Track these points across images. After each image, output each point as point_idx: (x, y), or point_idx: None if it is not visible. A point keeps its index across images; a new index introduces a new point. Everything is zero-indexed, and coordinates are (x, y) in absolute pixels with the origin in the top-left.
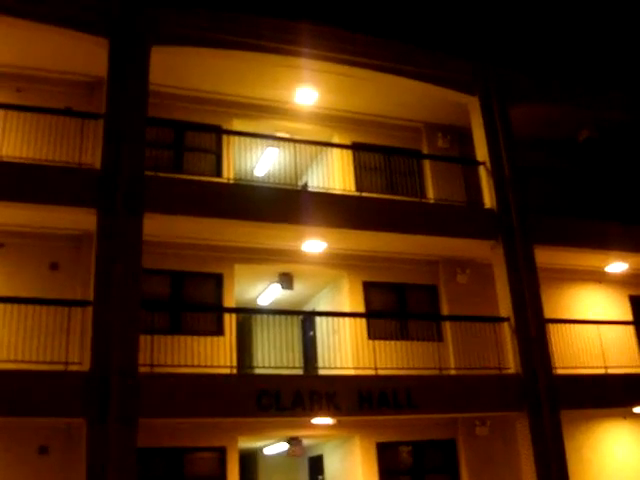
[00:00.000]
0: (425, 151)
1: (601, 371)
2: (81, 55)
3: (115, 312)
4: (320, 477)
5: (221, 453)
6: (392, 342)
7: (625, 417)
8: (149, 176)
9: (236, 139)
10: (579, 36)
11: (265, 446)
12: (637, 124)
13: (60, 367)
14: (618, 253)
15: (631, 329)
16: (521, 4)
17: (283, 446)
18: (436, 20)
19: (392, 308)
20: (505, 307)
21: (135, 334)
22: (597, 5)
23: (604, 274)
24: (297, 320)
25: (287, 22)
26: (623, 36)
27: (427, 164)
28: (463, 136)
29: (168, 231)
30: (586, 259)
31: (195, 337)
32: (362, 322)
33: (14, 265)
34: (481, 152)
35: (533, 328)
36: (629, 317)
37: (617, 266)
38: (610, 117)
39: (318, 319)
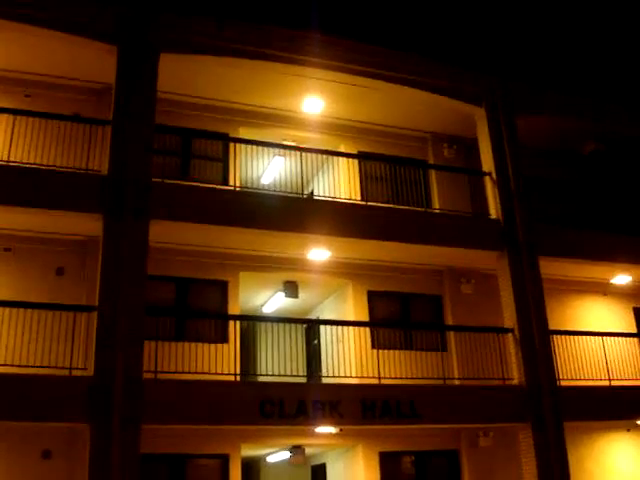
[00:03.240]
0: (431, 161)
1: (605, 383)
2: (90, 62)
3: (120, 318)
4: None
5: (224, 460)
6: (396, 352)
7: (629, 429)
8: (156, 183)
9: (243, 147)
10: (587, 49)
11: (268, 454)
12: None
13: (64, 372)
14: (623, 265)
15: (635, 341)
16: (529, 17)
17: (286, 454)
18: (443, 32)
19: (396, 317)
20: (509, 318)
21: (139, 340)
22: (606, 19)
23: (609, 286)
24: (301, 328)
25: (295, 32)
26: (632, 50)
27: (433, 174)
28: (469, 147)
29: (174, 238)
30: (591, 271)
31: (199, 344)
32: (366, 331)
33: (20, 269)
34: (487, 163)
35: (537, 339)
36: (633, 329)
37: (622, 278)
38: (616, 130)
39: (322, 328)
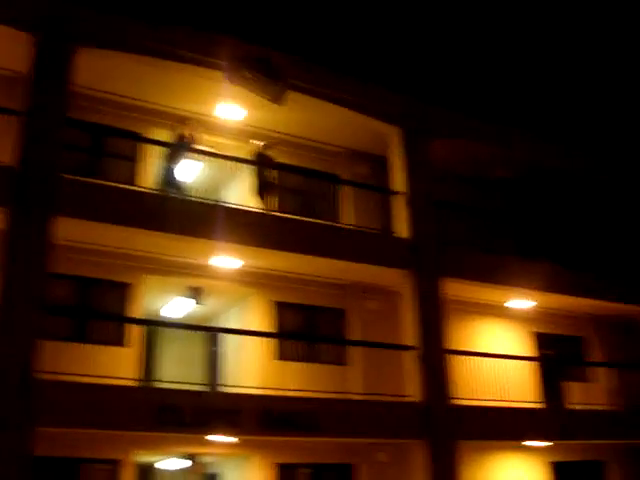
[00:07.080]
0: (344, 176)
1: (499, 404)
2: (3, 49)
3: (17, 315)
4: None
5: (116, 466)
6: (299, 364)
7: (517, 449)
8: (63, 178)
9: (155, 148)
10: (508, 78)
11: (163, 461)
12: (549, 167)
13: None
14: (520, 289)
15: (534, 365)
16: (449, 43)
17: (183, 462)
18: (364, 50)
19: (301, 329)
20: (409, 335)
21: (34, 338)
22: (525, 47)
23: (506, 309)
24: (205, 335)
25: (209, 35)
26: (550, 81)
27: (345, 189)
28: (384, 164)
29: (78, 236)
30: (490, 294)
31: (99, 346)
32: (270, 342)
33: None
34: (398, 182)
35: (435, 358)
36: (533, 353)
37: (519, 302)
38: (532, 159)
39: (227, 336)
